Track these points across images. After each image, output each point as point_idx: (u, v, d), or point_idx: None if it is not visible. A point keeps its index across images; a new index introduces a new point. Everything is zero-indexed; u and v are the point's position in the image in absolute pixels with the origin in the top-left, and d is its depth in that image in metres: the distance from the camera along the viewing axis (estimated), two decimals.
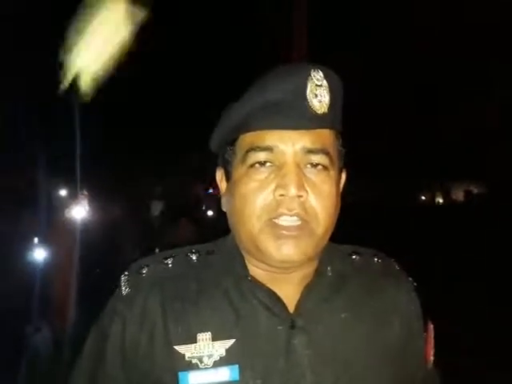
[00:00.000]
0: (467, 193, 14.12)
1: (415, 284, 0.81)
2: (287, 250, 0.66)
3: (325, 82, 0.66)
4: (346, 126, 0.74)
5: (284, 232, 0.66)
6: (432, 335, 0.78)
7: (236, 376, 0.66)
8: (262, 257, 0.69)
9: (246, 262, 0.72)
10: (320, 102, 0.66)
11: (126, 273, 0.75)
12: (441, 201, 16.23)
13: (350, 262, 0.78)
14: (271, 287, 0.70)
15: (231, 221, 0.72)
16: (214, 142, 0.75)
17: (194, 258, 0.75)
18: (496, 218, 8.28)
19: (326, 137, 0.68)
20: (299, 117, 0.65)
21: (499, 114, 10.84)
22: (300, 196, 0.65)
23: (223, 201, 0.74)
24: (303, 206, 0.65)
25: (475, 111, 10.59)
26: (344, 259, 0.77)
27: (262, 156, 0.66)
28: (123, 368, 0.70)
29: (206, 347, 0.67)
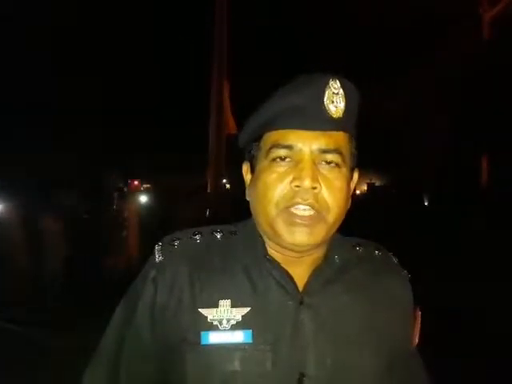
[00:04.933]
0: (369, 185, 15.50)
1: (409, 275, 0.88)
2: (300, 236, 0.73)
3: (341, 91, 0.73)
4: None
5: (298, 220, 0.73)
6: (419, 321, 0.87)
7: (249, 339, 0.73)
8: (278, 239, 0.76)
9: (265, 244, 0.80)
10: (336, 107, 0.73)
11: (160, 243, 0.83)
12: None
13: (355, 253, 0.86)
14: (285, 267, 0.78)
15: (253, 207, 0.79)
16: (243, 139, 0.82)
17: (219, 236, 0.83)
18: (394, 205, 9.25)
19: (339, 138, 0.74)
20: (316, 120, 0.72)
21: (402, 115, 11.98)
22: (314, 188, 0.72)
23: (247, 191, 0.82)
24: (316, 197, 0.72)
25: (379, 113, 11.54)
26: (349, 249, 0.84)
27: (282, 152, 0.73)
28: (151, 327, 0.78)
29: (226, 312, 0.75)
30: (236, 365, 0.73)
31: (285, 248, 0.77)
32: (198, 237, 0.83)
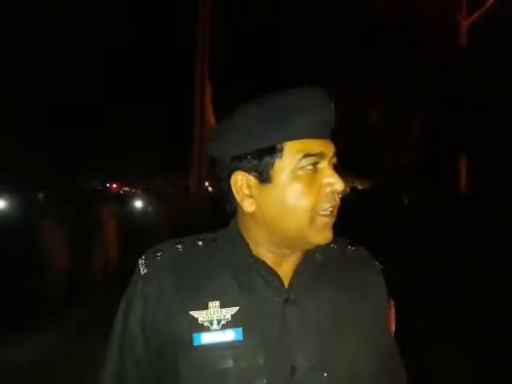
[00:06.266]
0: (352, 188, 15.76)
1: (381, 267, 0.94)
2: (328, 235, 0.79)
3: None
4: None
5: (330, 222, 0.79)
6: (393, 310, 0.92)
7: (240, 337, 0.76)
8: (300, 243, 0.80)
9: (253, 246, 0.83)
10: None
11: (143, 257, 0.85)
12: None
13: (331, 250, 0.89)
14: (271, 266, 0.81)
15: (268, 216, 0.79)
16: (238, 150, 0.80)
17: (201, 243, 0.86)
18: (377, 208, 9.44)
19: None
20: (329, 129, 0.80)
21: (382, 119, 12.21)
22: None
23: (248, 202, 0.80)
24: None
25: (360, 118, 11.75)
26: (325, 247, 0.86)
27: (313, 160, 0.77)
28: (143, 337, 0.81)
29: (216, 313, 0.78)
30: (229, 362, 0.76)
31: (295, 248, 0.82)
32: (180, 246, 0.86)
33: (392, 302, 0.92)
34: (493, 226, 7.03)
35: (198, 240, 0.87)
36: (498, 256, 5.79)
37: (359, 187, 16.03)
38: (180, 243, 0.86)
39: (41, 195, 6.56)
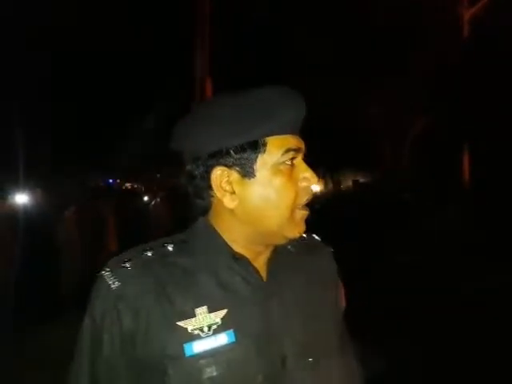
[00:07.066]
0: (354, 182, 15.72)
1: (332, 250, 1.00)
2: (302, 229, 0.82)
3: None
4: None
5: (306, 214, 0.81)
6: (343, 289, 0.98)
7: (232, 338, 0.75)
8: (276, 238, 0.81)
9: (230, 244, 0.82)
10: None
11: (108, 268, 0.78)
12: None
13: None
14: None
15: (251, 211, 0.79)
16: (218, 144, 0.77)
17: (170, 248, 0.82)
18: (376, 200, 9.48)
19: None
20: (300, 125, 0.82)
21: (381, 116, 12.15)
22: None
23: (230, 198, 0.79)
24: None
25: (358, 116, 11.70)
26: None
27: (292, 155, 0.79)
28: (122, 356, 0.75)
29: (205, 319, 0.75)
30: (224, 366, 0.74)
31: (270, 244, 0.83)
32: (149, 253, 0.80)
33: (341, 283, 0.99)
34: (493, 219, 7.04)
35: (167, 244, 0.83)
36: (498, 249, 5.80)
37: (361, 180, 16.03)
38: (148, 250, 0.81)
39: (38, 191, 6.43)
